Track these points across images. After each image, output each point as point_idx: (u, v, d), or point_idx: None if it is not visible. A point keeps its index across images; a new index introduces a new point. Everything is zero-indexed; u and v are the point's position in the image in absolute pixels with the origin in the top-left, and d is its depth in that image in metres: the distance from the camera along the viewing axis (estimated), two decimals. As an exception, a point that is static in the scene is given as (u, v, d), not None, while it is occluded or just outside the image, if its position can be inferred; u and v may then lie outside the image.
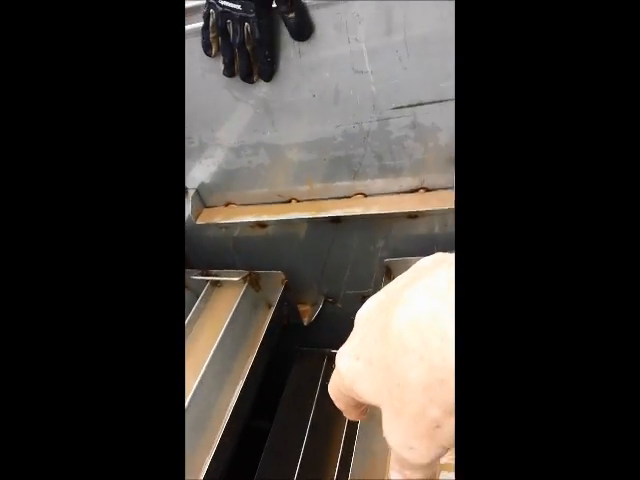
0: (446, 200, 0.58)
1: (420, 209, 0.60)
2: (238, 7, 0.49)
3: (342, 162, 0.62)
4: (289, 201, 0.71)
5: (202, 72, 0.56)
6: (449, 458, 0.22)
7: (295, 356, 1.00)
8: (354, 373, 0.21)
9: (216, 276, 0.80)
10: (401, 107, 0.53)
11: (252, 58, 0.53)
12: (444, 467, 0.46)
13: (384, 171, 0.61)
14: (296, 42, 0.51)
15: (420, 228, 0.64)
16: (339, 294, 0.85)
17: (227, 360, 0.72)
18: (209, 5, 0.51)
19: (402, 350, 0.18)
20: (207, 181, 0.70)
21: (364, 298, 0.81)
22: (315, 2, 0.48)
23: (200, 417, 0.62)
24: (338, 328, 0.91)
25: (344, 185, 0.65)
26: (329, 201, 0.68)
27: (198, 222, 0.72)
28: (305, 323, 0.89)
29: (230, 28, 0.51)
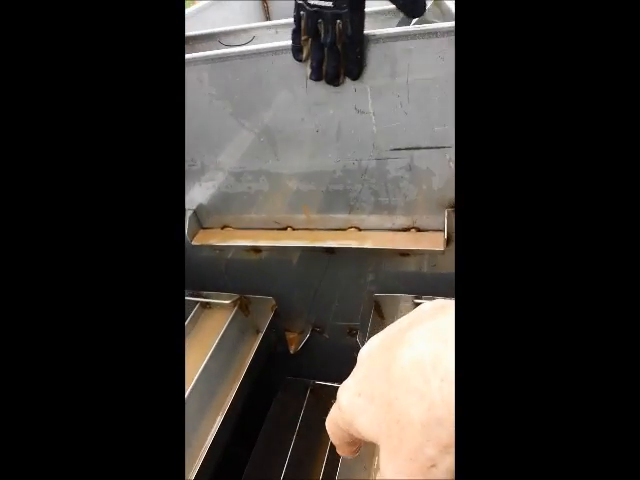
0: (436, 241, 0.59)
1: (411, 248, 0.61)
2: (329, 4, 0.48)
3: (339, 195, 0.64)
4: (285, 228, 0.72)
5: (210, 99, 0.58)
6: None
7: (279, 385, 0.99)
8: (355, 408, 0.22)
9: (206, 298, 0.80)
10: (399, 149, 0.55)
11: (342, 58, 0.51)
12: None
13: (379, 208, 0.63)
14: (305, 79, 0.53)
15: (410, 266, 0.65)
16: (327, 324, 0.85)
17: (212, 385, 0.71)
18: (298, 7, 0.50)
19: (404, 388, 0.19)
20: (205, 203, 0.71)
21: (352, 330, 0.82)
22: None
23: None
24: (324, 359, 0.91)
25: (340, 217, 0.66)
26: (324, 232, 0.69)
27: (194, 243, 0.73)
28: (292, 351, 0.89)
29: (321, 28, 0.49)
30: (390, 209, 0.62)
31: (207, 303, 0.81)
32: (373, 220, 0.65)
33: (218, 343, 0.72)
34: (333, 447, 0.25)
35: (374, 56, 0.50)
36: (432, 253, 0.61)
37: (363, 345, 0.24)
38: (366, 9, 0.58)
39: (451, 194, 0.57)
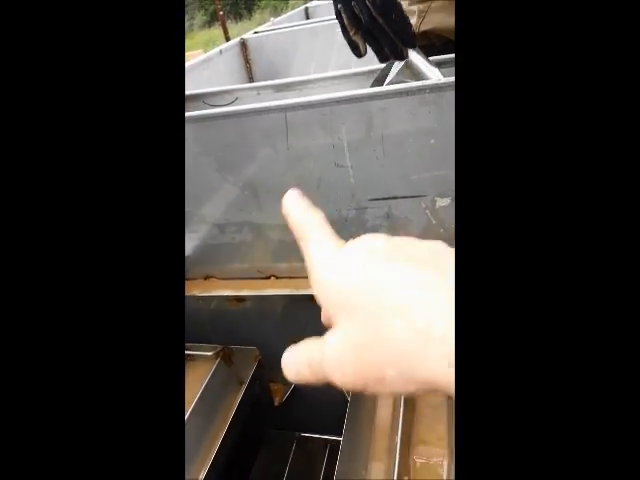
0: (417, 287, 0.60)
1: (393, 294, 0.62)
2: None
3: (321, 244, 0.65)
4: (268, 277, 0.73)
5: (194, 156, 0.60)
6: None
7: (264, 438, 0.96)
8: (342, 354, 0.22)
9: (188, 350, 0.79)
10: (377, 199, 0.57)
11: (392, 33, 0.53)
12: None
13: (360, 255, 0.64)
14: (286, 136, 0.56)
15: (393, 312, 0.66)
16: (312, 374, 0.84)
17: (194, 439, 0.69)
18: (335, 2, 0.52)
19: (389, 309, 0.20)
20: (189, 254, 0.72)
21: (335, 380, 0.79)
22: (305, 103, 0.54)
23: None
24: (309, 410, 0.89)
25: (322, 266, 0.68)
26: (307, 280, 0.70)
27: (177, 293, 0.73)
28: (276, 403, 0.87)
29: (357, 10, 0.51)
30: (371, 256, 0.64)
31: (189, 355, 0.79)
32: (355, 267, 0.66)
33: (200, 396, 0.70)
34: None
35: (350, 115, 0.53)
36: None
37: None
38: (343, 72, 0.63)
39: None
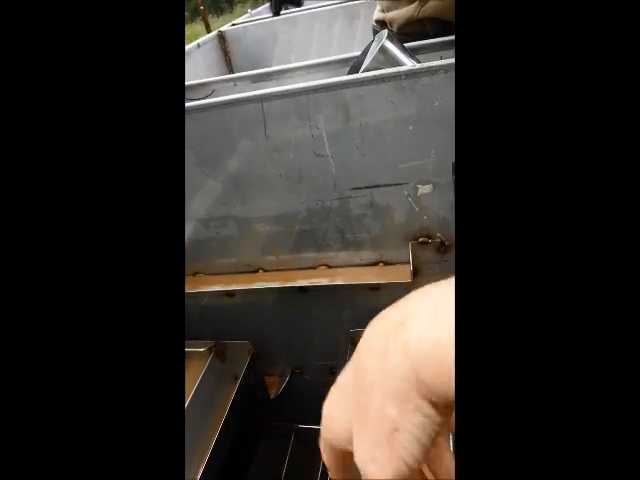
0: (403, 274, 0.61)
1: (380, 282, 0.62)
2: None
3: (307, 235, 0.65)
4: (257, 271, 0.72)
5: (175, 151, 0.60)
6: None
7: (262, 431, 0.97)
8: (329, 406, 0.20)
9: (181, 346, 0.79)
10: (359, 188, 0.57)
11: None
12: None
13: (346, 245, 0.64)
14: (264, 126, 0.56)
15: (381, 300, 0.66)
16: (306, 365, 0.84)
17: (190, 436, 0.69)
18: None
19: (367, 352, 0.18)
20: (176, 251, 0.72)
21: (332, 369, 0.82)
22: (281, 92, 0.53)
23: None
24: (306, 401, 0.90)
25: (309, 257, 0.68)
26: (295, 272, 0.70)
27: (165, 292, 0.73)
28: (272, 396, 0.87)
29: None
30: (357, 245, 0.64)
31: (182, 352, 0.79)
32: (342, 257, 0.66)
33: (195, 392, 0.70)
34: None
35: (327, 103, 0.52)
36: (401, 285, 0.62)
37: None
38: (319, 60, 0.62)
39: (413, 227, 0.59)
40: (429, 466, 0.23)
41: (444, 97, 0.49)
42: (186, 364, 0.80)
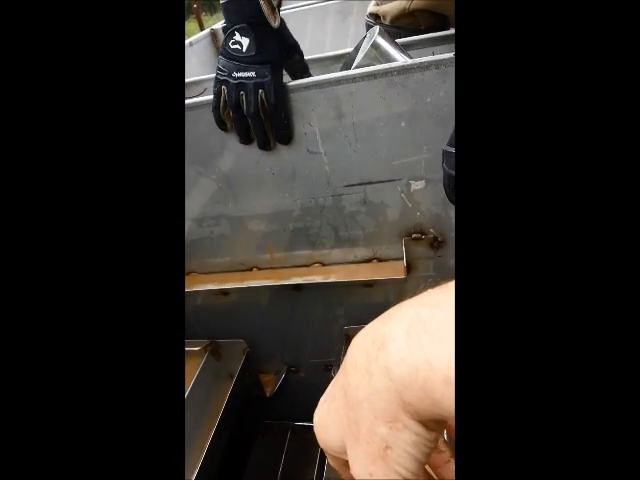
0: (397, 270, 0.61)
1: (374, 278, 0.62)
2: (252, 74, 0.50)
3: (301, 233, 0.65)
4: (251, 269, 0.72)
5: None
6: None
7: (258, 429, 0.97)
8: (320, 418, 0.20)
9: (176, 346, 0.79)
10: (352, 185, 0.57)
11: (267, 125, 0.53)
12: None
13: (340, 242, 0.64)
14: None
15: (376, 296, 0.66)
16: (302, 363, 0.84)
17: (187, 434, 0.69)
18: (220, 82, 0.51)
19: (352, 369, 0.18)
20: (170, 250, 0.71)
21: (327, 366, 0.82)
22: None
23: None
24: (302, 399, 0.90)
25: (303, 254, 0.68)
26: (290, 269, 0.70)
27: (159, 291, 0.72)
28: (268, 394, 0.87)
29: (243, 99, 0.51)
30: (351, 242, 0.64)
31: (177, 351, 0.79)
32: (336, 254, 0.66)
33: (190, 392, 0.70)
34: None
35: (319, 100, 0.52)
36: (395, 282, 0.62)
37: None
38: (309, 56, 0.62)
39: (406, 223, 0.59)
40: (435, 470, 0.23)
41: (436, 93, 0.49)
42: (181, 363, 0.79)
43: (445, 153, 0.44)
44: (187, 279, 0.75)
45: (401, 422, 0.17)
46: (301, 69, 0.58)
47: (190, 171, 0.61)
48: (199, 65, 1.10)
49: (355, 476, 0.18)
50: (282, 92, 0.52)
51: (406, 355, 0.16)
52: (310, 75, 0.57)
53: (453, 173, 0.42)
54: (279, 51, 0.52)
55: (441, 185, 0.53)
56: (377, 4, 0.82)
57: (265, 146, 0.56)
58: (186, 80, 0.70)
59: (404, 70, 0.48)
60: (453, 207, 0.57)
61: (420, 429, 0.17)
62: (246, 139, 0.56)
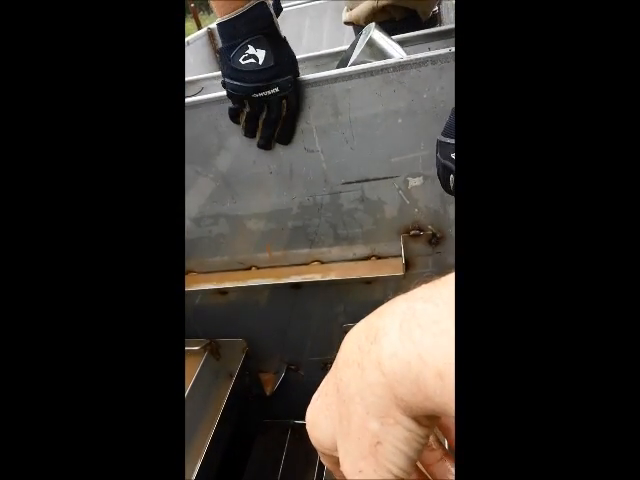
0: (395, 267, 0.61)
1: (373, 275, 0.62)
2: (276, 90, 0.49)
3: (299, 231, 0.65)
4: (249, 268, 0.72)
5: (164, 149, 0.59)
6: None
7: (258, 428, 0.97)
8: (312, 416, 0.20)
9: (175, 345, 0.79)
10: (350, 182, 0.57)
11: (277, 127, 0.53)
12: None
13: (338, 239, 0.64)
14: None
15: (375, 293, 0.66)
16: (301, 361, 0.85)
17: (187, 433, 0.69)
18: (240, 99, 0.51)
19: (345, 365, 0.18)
20: (168, 250, 0.71)
21: (327, 365, 0.82)
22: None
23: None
24: (302, 397, 0.90)
25: (302, 253, 0.67)
26: (288, 268, 0.70)
27: (158, 291, 0.72)
28: (268, 393, 0.87)
29: (265, 108, 0.51)
30: (349, 240, 0.64)
31: (177, 351, 0.79)
32: (334, 252, 0.66)
33: (190, 391, 0.70)
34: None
35: (316, 98, 0.52)
36: (393, 279, 0.62)
37: None
38: (306, 54, 0.62)
39: (404, 220, 0.59)
40: (427, 469, 0.23)
41: (432, 89, 0.49)
42: (181, 363, 0.79)
43: (439, 143, 0.44)
44: (186, 279, 0.75)
45: (393, 417, 0.17)
46: None
47: (188, 170, 0.61)
48: (196, 64, 1.10)
49: (345, 473, 0.18)
50: (299, 100, 0.52)
51: (399, 349, 0.16)
52: None
53: (448, 163, 0.42)
54: (293, 60, 0.51)
55: (439, 182, 0.53)
56: (348, 10, 0.83)
57: (267, 146, 0.56)
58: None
59: (400, 66, 0.48)
60: (451, 203, 0.56)
61: (412, 425, 0.17)
62: (253, 133, 0.55)
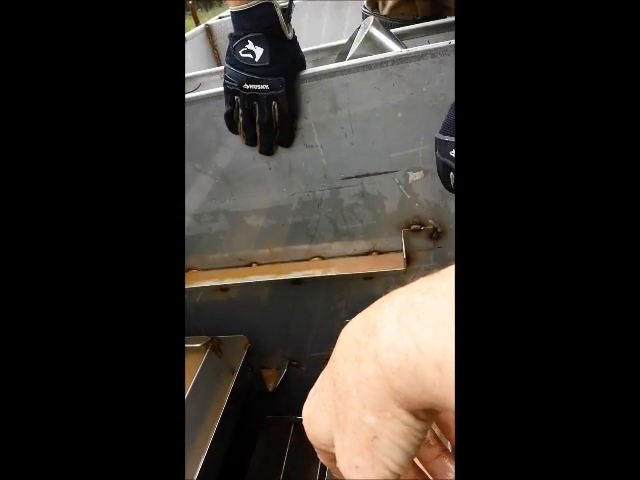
0: (396, 262, 0.60)
1: (374, 271, 0.62)
2: (266, 87, 0.49)
3: (299, 227, 0.65)
4: (250, 265, 0.72)
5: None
6: None
7: (261, 424, 0.97)
8: (309, 411, 0.20)
9: (177, 342, 0.79)
10: (350, 177, 0.57)
11: (275, 133, 0.54)
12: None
13: (339, 235, 0.64)
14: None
15: (376, 289, 0.66)
16: (303, 357, 0.85)
17: (189, 431, 0.69)
18: (232, 92, 0.51)
19: (342, 358, 0.18)
20: (168, 247, 0.71)
21: (328, 360, 0.81)
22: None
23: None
24: (304, 393, 0.90)
25: (302, 248, 0.67)
26: (289, 264, 0.70)
27: (159, 288, 0.72)
28: (270, 389, 0.87)
29: (256, 109, 0.51)
30: (350, 235, 0.64)
31: (178, 348, 0.79)
32: (335, 247, 0.66)
33: (192, 388, 0.70)
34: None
35: (315, 93, 0.52)
36: (394, 274, 0.62)
37: None
38: (305, 48, 0.61)
39: (405, 215, 0.59)
40: (425, 466, 0.23)
41: (432, 82, 0.48)
42: (183, 360, 0.79)
43: (438, 141, 0.44)
44: (187, 276, 0.75)
45: (390, 411, 0.16)
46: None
47: (187, 167, 0.61)
48: (194, 60, 1.09)
49: (341, 469, 0.18)
50: (295, 102, 0.52)
51: (396, 341, 0.16)
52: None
53: (447, 161, 0.42)
54: (293, 63, 0.51)
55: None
56: None
57: (269, 152, 0.56)
58: (180, 75, 0.70)
59: (399, 60, 0.48)
60: (452, 198, 0.56)
61: (409, 419, 0.16)
62: (252, 141, 0.56)
